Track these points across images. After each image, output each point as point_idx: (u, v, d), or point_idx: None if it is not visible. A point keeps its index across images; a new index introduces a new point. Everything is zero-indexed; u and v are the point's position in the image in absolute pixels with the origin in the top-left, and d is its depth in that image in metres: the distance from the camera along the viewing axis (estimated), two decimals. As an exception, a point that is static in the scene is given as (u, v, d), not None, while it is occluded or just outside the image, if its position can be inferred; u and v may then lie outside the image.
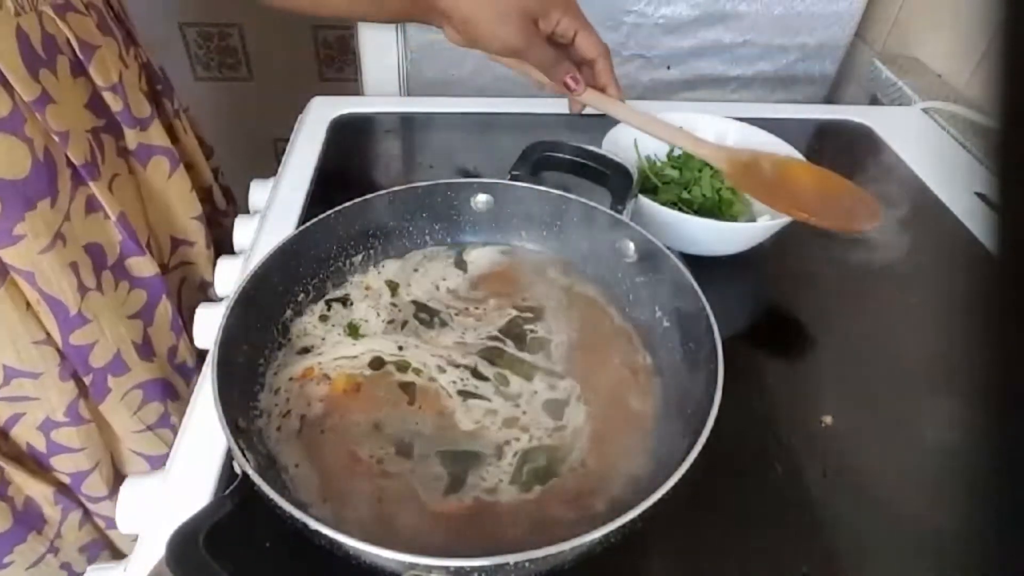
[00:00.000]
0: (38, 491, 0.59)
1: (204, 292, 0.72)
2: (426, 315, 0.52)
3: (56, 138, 0.50)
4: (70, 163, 0.52)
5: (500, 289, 0.54)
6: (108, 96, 0.55)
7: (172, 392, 0.65)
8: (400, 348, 0.49)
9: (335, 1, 0.66)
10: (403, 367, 0.48)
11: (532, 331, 0.51)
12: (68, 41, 0.51)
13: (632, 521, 0.34)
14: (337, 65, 1.45)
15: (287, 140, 0.79)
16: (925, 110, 0.87)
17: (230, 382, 0.41)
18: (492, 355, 0.49)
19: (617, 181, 0.57)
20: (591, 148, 0.59)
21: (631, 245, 0.52)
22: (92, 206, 0.55)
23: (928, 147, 0.82)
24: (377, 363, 0.48)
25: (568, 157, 0.59)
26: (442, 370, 0.47)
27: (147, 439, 0.64)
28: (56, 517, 0.62)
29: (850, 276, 0.65)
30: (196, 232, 0.69)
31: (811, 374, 0.57)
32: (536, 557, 0.32)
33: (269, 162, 0.81)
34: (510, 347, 0.50)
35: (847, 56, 0.97)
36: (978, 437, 0.17)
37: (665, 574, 0.43)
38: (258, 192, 0.74)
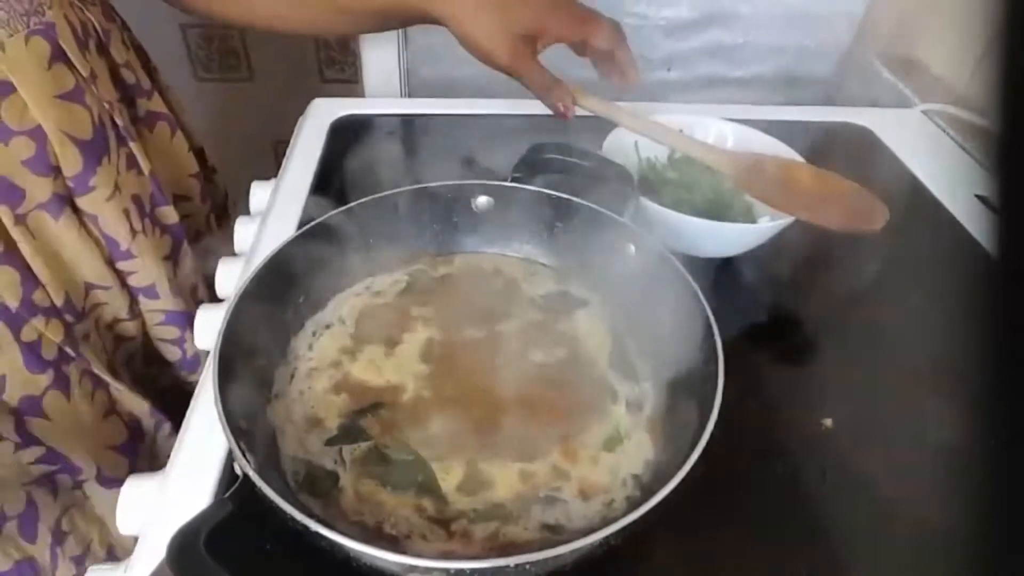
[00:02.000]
0: (136, 405, 0.66)
1: (200, 244, 0.77)
2: None
3: (107, 106, 0.59)
4: (115, 126, 0.61)
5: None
6: (124, 72, 0.64)
7: (190, 322, 0.71)
8: None
9: (270, 8, 0.67)
10: None
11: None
12: (94, 25, 0.60)
13: (633, 523, 0.34)
14: (338, 66, 1.45)
15: (288, 142, 0.79)
16: (925, 112, 0.87)
17: (231, 383, 0.41)
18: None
19: (618, 183, 0.57)
20: (592, 150, 0.59)
21: (631, 247, 0.52)
22: (131, 163, 0.63)
23: (928, 149, 0.83)
24: None
25: (569, 159, 0.59)
26: None
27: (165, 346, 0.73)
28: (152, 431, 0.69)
29: (850, 278, 0.65)
30: (193, 189, 0.75)
31: (811, 376, 0.57)
32: (536, 560, 0.32)
33: (270, 164, 0.81)
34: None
35: (847, 58, 0.98)
36: (978, 438, 0.17)
37: (665, 575, 0.43)
38: (259, 194, 0.74)
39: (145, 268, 0.65)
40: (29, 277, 0.56)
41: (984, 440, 0.16)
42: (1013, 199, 0.15)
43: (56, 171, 0.56)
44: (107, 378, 0.62)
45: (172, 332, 0.71)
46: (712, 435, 0.37)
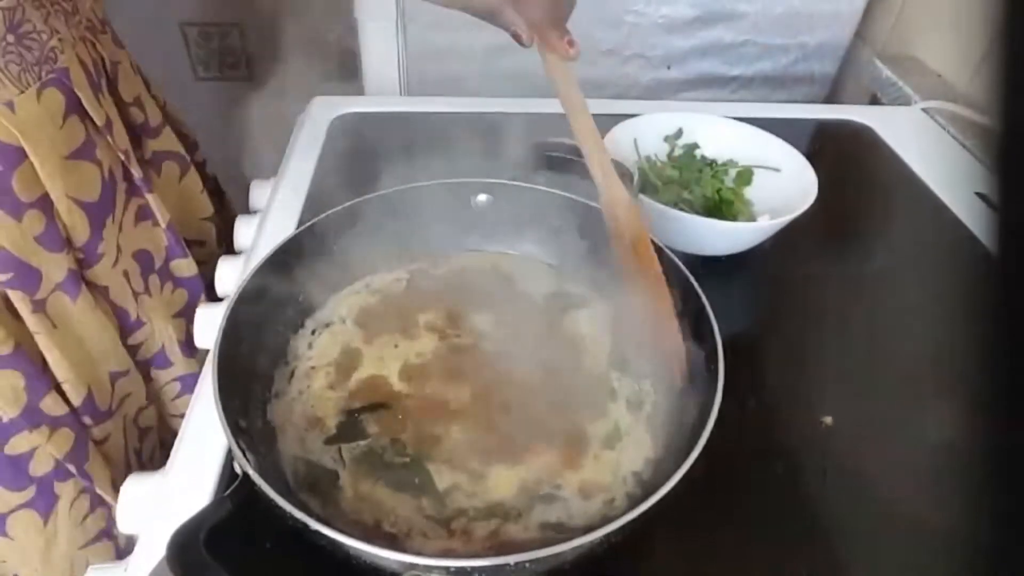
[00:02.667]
0: None
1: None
2: None
3: (121, 156, 0.54)
4: (126, 177, 0.55)
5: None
6: (132, 111, 0.58)
7: None
8: None
9: None
10: None
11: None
12: (103, 61, 0.54)
13: (633, 521, 0.34)
14: (338, 65, 1.45)
15: (287, 140, 0.79)
16: (925, 110, 0.87)
17: (231, 382, 0.41)
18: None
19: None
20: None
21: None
22: (143, 215, 0.58)
23: (928, 147, 0.82)
24: None
25: (569, 157, 0.59)
26: None
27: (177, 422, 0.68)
28: None
29: (850, 276, 0.65)
30: (208, 232, 0.71)
31: (811, 374, 0.57)
32: (537, 557, 0.32)
33: (269, 162, 0.81)
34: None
35: (847, 56, 0.97)
36: (978, 437, 0.17)
37: (665, 574, 0.43)
38: (258, 192, 0.74)
39: (153, 333, 0.60)
40: (38, 379, 0.50)
41: (984, 440, 0.16)
42: (1013, 197, 0.15)
43: (67, 243, 0.51)
44: (110, 499, 0.55)
45: (184, 403, 0.65)
46: (712, 433, 0.37)
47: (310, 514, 0.33)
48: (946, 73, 0.89)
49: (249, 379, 0.45)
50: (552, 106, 0.84)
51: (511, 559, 0.32)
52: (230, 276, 0.63)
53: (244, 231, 0.68)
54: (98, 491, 0.55)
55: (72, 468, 0.53)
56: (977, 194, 0.73)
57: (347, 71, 1.45)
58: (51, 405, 0.51)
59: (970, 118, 0.82)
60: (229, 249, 0.71)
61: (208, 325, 0.58)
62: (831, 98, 1.02)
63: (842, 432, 0.50)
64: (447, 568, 0.32)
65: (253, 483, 0.34)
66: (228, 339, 0.42)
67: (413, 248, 0.57)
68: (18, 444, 0.50)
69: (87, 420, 0.54)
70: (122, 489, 0.47)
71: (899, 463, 0.49)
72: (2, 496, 0.51)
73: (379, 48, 0.92)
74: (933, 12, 0.90)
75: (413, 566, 0.32)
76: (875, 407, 0.53)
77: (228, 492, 0.35)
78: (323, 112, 0.83)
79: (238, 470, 0.36)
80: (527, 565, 0.33)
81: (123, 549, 0.61)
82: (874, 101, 0.96)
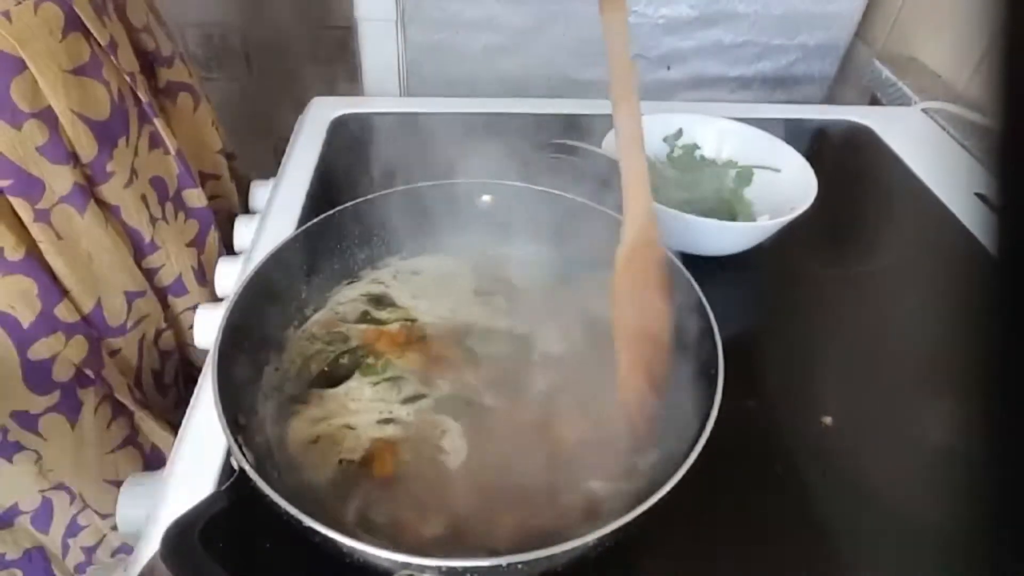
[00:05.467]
0: (162, 438, 0.62)
1: (231, 224, 0.71)
2: None
3: (128, 79, 0.54)
4: (136, 102, 0.56)
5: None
6: (143, 37, 0.59)
7: None
8: None
9: None
10: None
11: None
12: None
13: (632, 522, 0.34)
14: (337, 65, 1.45)
15: (287, 141, 0.79)
16: (925, 110, 0.87)
17: (231, 381, 0.41)
18: None
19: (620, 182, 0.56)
20: (595, 149, 0.59)
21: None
22: (155, 142, 0.59)
23: (928, 147, 0.82)
24: None
25: (571, 158, 0.59)
26: None
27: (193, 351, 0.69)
28: None
29: (850, 276, 0.65)
30: (221, 166, 0.71)
31: (811, 374, 0.57)
32: (529, 559, 0.32)
33: (269, 163, 0.81)
34: None
35: (847, 56, 0.97)
36: (977, 436, 0.17)
37: (665, 574, 0.43)
38: (258, 193, 0.74)
39: (170, 259, 0.61)
40: (50, 287, 0.50)
41: (984, 439, 0.16)
42: (1013, 197, 0.15)
43: (74, 158, 0.50)
44: (132, 406, 0.57)
45: None
46: (712, 433, 0.37)
47: (305, 511, 0.33)
48: (946, 73, 0.89)
49: (249, 379, 0.45)
50: (553, 107, 0.84)
51: (503, 560, 0.32)
52: (230, 276, 0.63)
53: (244, 231, 0.68)
54: (117, 396, 0.56)
55: (90, 373, 0.54)
56: (977, 194, 0.73)
57: (347, 71, 1.45)
58: (64, 312, 0.52)
59: (970, 118, 0.82)
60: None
61: (209, 325, 0.58)
62: (831, 98, 1.02)
63: (842, 432, 0.50)
64: (440, 568, 0.32)
65: (249, 479, 0.34)
66: (228, 338, 0.42)
67: (414, 248, 0.57)
68: (39, 350, 0.51)
69: (95, 332, 0.55)
70: (122, 489, 0.47)
71: (899, 463, 0.49)
72: (32, 398, 0.52)
73: (379, 48, 0.92)
74: (932, 12, 0.90)
75: (407, 565, 0.32)
76: (875, 407, 0.53)
77: (224, 487, 0.35)
78: (323, 112, 0.83)
79: (235, 465, 0.36)
80: (519, 566, 0.33)
81: (149, 456, 0.63)
82: (874, 101, 0.96)
